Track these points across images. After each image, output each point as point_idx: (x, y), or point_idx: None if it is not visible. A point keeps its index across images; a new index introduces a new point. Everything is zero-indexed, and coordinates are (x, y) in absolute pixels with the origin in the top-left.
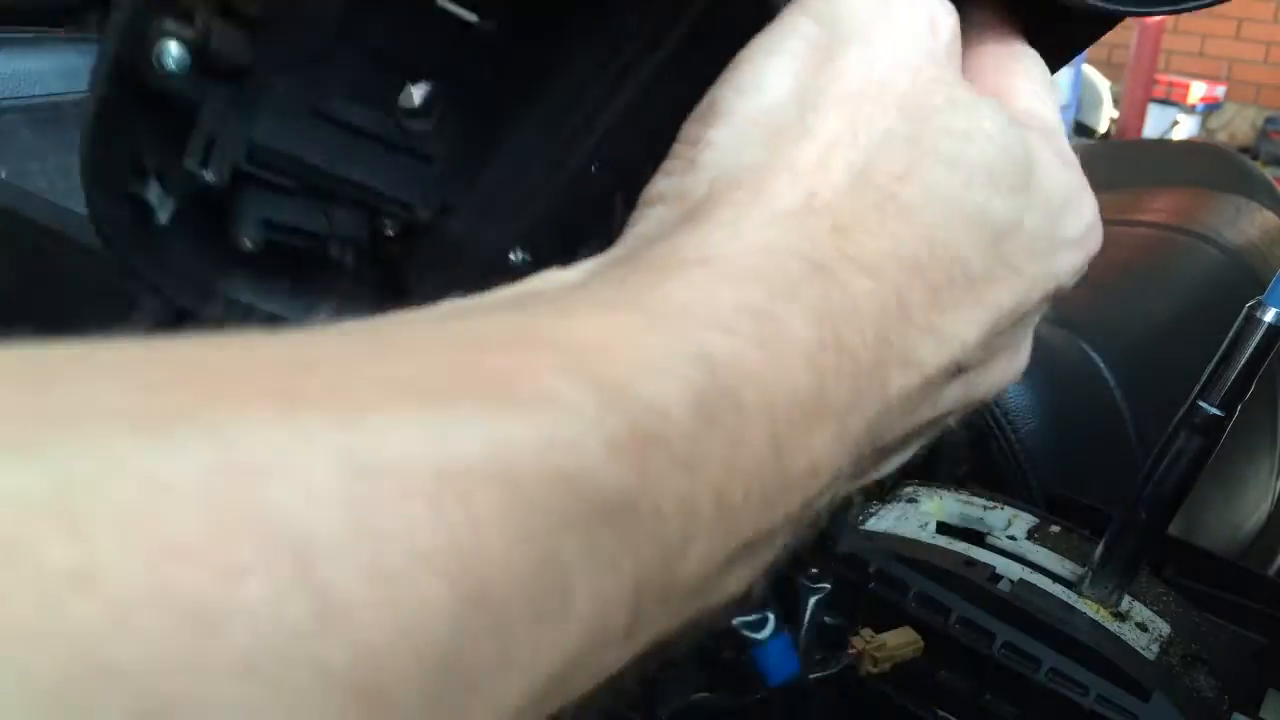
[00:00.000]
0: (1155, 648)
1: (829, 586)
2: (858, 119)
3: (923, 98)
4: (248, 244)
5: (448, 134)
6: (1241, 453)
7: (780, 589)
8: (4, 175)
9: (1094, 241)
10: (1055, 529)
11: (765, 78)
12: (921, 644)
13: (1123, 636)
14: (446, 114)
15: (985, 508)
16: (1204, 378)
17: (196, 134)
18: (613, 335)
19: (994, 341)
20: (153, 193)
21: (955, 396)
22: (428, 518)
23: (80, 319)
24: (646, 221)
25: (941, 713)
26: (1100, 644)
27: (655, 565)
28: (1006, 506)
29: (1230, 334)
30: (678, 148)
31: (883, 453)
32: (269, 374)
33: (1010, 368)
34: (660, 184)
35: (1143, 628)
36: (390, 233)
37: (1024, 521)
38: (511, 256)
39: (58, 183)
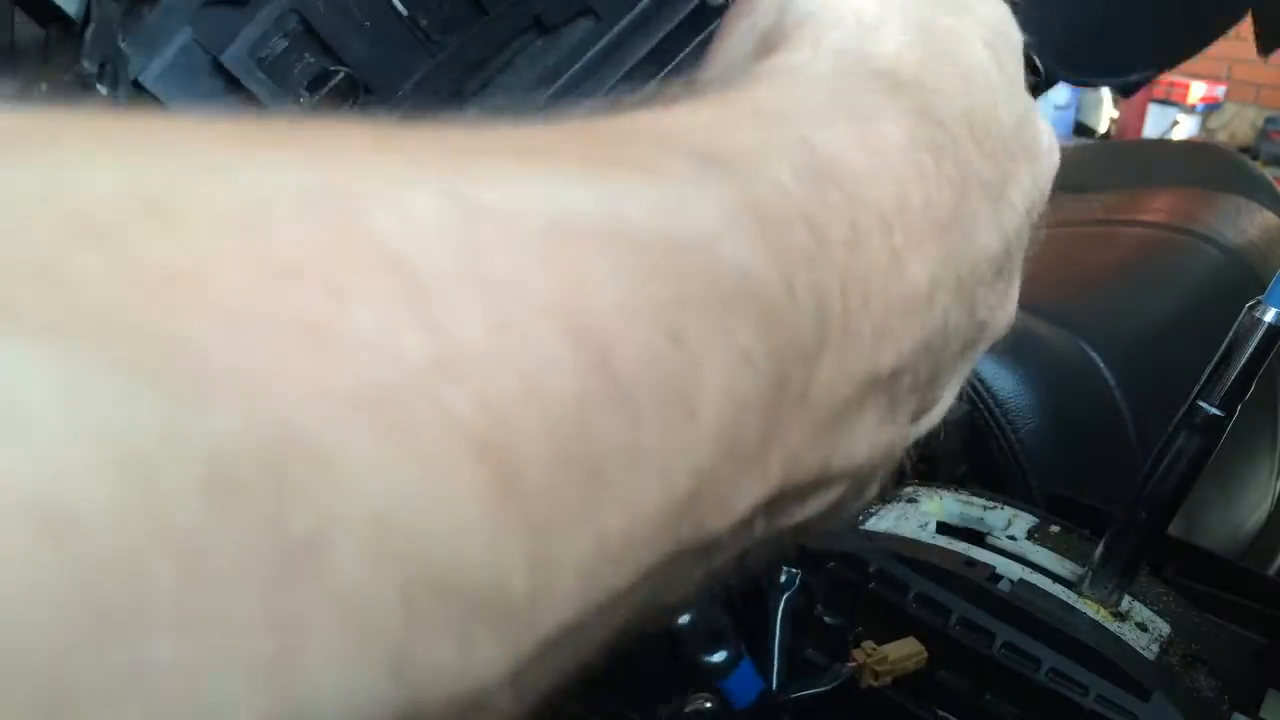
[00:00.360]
0: (1155, 648)
1: (796, 572)
2: None
3: None
4: None
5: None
6: (1241, 453)
7: (743, 606)
8: None
9: (1056, 159)
10: (1055, 529)
11: None
12: (925, 655)
13: (1123, 636)
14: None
15: (985, 508)
16: (1204, 378)
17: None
18: (714, 125)
19: (1012, 256)
20: None
21: (999, 295)
22: (541, 270)
23: None
24: (723, 55)
25: (941, 713)
26: (1100, 644)
27: (791, 365)
28: (1006, 506)
29: (1230, 334)
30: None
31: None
32: (366, 132)
33: (1011, 304)
34: (732, 23)
35: (1143, 628)
36: None
37: (1024, 521)
38: None
39: None
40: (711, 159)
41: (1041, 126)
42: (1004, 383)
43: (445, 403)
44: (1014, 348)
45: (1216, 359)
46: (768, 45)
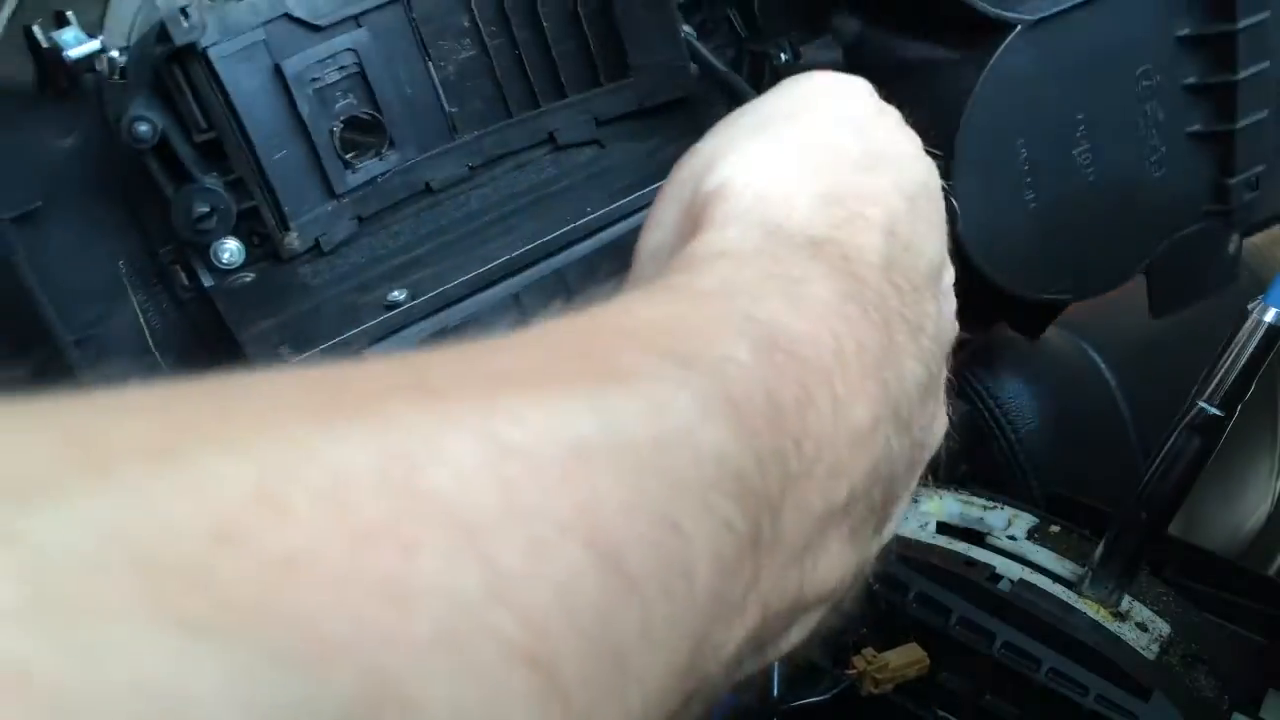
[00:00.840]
0: (1155, 648)
1: None
2: (820, 159)
3: (869, 128)
4: None
5: None
6: (1241, 453)
7: None
8: None
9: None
10: (1055, 529)
11: (733, 127)
12: (926, 662)
13: (1123, 636)
14: None
15: (985, 508)
16: (1204, 378)
17: None
18: (670, 319)
19: (935, 379)
20: None
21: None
22: (562, 492)
23: (78, 318)
24: (655, 227)
25: (941, 713)
26: (1100, 644)
27: (761, 519)
28: (1006, 506)
29: (1230, 334)
30: (659, 199)
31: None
32: (402, 374)
33: (941, 420)
34: (659, 197)
35: (1143, 628)
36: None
37: (1024, 521)
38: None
39: None
40: (681, 357)
41: (949, 269)
42: (1004, 383)
43: (498, 626)
44: (1015, 348)
45: (1216, 359)
46: (692, 218)
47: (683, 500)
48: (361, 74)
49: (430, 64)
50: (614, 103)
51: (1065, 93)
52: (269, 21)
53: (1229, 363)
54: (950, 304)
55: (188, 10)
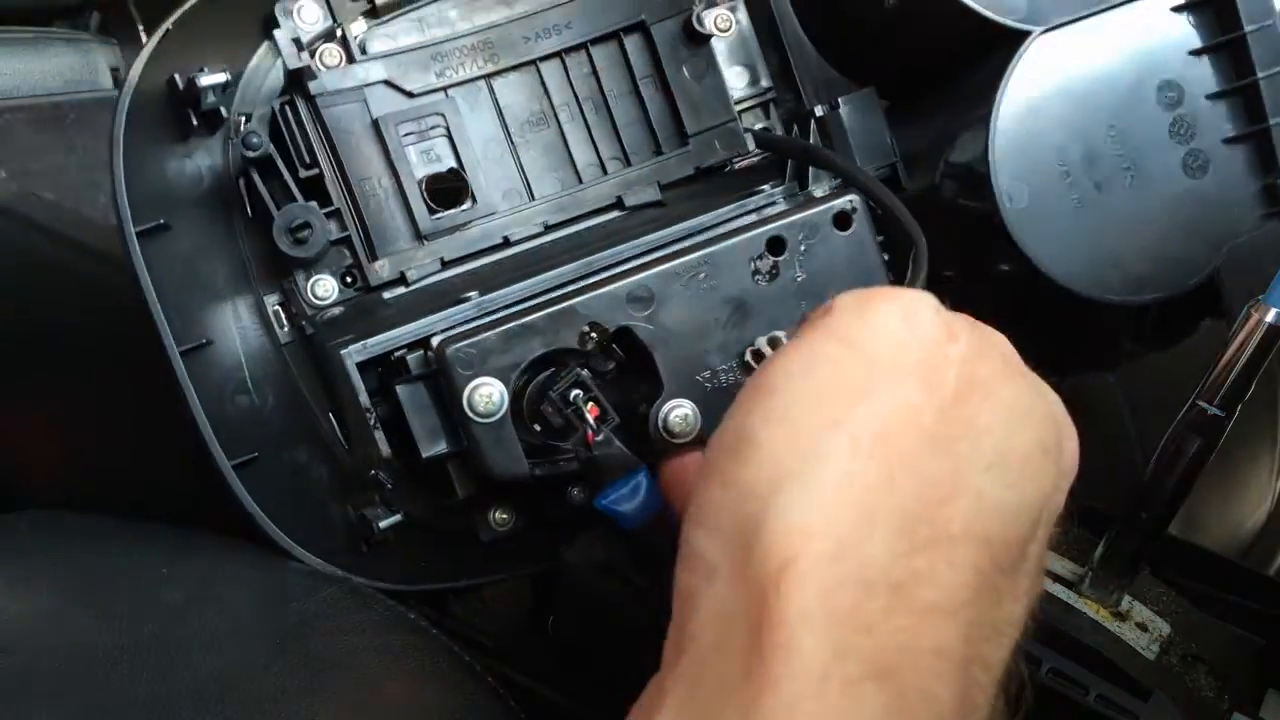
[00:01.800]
0: (1155, 648)
1: None
2: (893, 461)
3: (938, 387)
4: None
5: None
6: (1241, 453)
7: None
8: (4, 175)
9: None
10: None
11: (792, 407)
12: None
13: (1123, 636)
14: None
15: None
16: (1204, 378)
17: None
18: None
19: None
20: None
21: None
22: None
23: (79, 317)
24: (701, 612)
25: None
26: (1100, 644)
27: None
28: None
29: (1230, 334)
30: (711, 489)
31: None
32: None
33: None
34: (702, 542)
35: (1143, 628)
36: None
37: None
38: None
39: (58, 183)
40: None
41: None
42: None
43: None
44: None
45: (1216, 359)
46: (752, 582)
47: None
48: (448, 135)
49: (509, 133)
50: (675, 168)
51: (1089, 101)
52: (371, 84)
53: (1229, 363)
54: (1061, 492)
55: (306, 69)
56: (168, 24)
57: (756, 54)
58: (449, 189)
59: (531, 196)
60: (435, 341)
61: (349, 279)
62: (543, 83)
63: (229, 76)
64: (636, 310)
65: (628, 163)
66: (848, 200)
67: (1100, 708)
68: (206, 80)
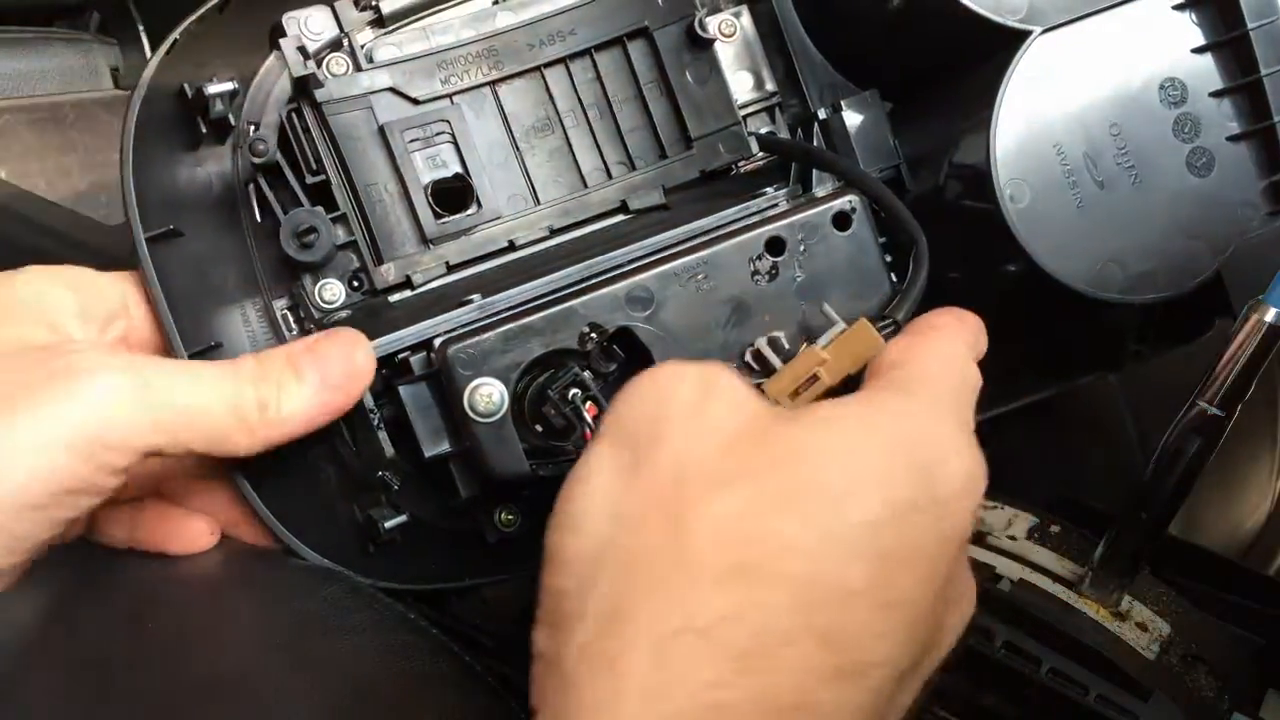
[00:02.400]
0: (1155, 648)
1: None
2: (683, 517)
3: (751, 456)
4: None
5: None
6: (1241, 453)
7: None
8: (4, 175)
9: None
10: (1055, 529)
11: (582, 514)
12: None
13: (1123, 636)
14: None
15: (985, 508)
16: (1204, 378)
17: None
18: None
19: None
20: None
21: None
22: None
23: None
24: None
25: (941, 712)
26: (1100, 644)
27: None
28: (1006, 506)
29: (1230, 334)
30: (542, 597)
31: None
32: None
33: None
34: (541, 641)
35: (1143, 628)
36: None
37: (1024, 521)
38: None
39: (57, 183)
40: None
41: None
42: None
43: None
44: None
45: (1216, 359)
46: (580, 666)
47: None
48: (453, 141)
49: (514, 139)
50: (679, 172)
51: (1091, 100)
52: (377, 92)
53: (1229, 363)
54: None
55: (312, 76)
56: (176, 34)
57: (761, 59)
58: (454, 193)
59: (536, 201)
60: (437, 343)
61: (356, 283)
62: (547, 89)
63: (237, 85)
64: (636, 311)
65: (632, 167)
66: (847, 201)
67: (1100, 708)
68: (214, 89)
